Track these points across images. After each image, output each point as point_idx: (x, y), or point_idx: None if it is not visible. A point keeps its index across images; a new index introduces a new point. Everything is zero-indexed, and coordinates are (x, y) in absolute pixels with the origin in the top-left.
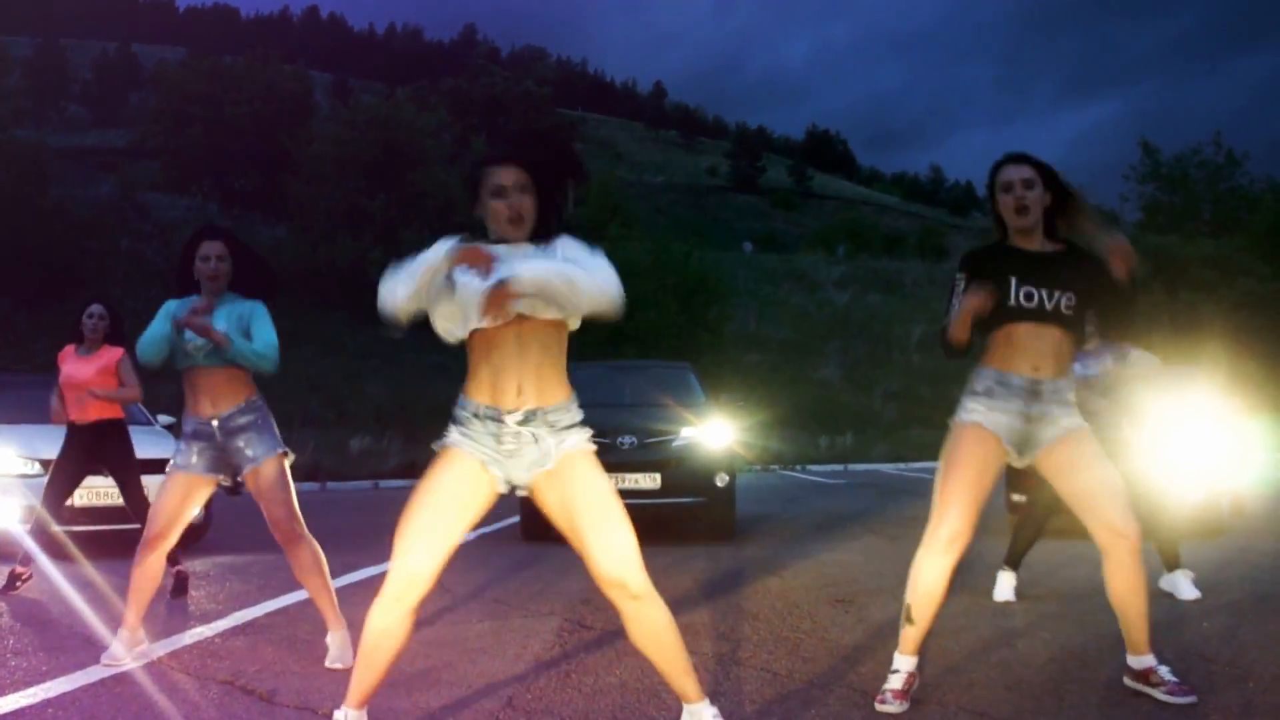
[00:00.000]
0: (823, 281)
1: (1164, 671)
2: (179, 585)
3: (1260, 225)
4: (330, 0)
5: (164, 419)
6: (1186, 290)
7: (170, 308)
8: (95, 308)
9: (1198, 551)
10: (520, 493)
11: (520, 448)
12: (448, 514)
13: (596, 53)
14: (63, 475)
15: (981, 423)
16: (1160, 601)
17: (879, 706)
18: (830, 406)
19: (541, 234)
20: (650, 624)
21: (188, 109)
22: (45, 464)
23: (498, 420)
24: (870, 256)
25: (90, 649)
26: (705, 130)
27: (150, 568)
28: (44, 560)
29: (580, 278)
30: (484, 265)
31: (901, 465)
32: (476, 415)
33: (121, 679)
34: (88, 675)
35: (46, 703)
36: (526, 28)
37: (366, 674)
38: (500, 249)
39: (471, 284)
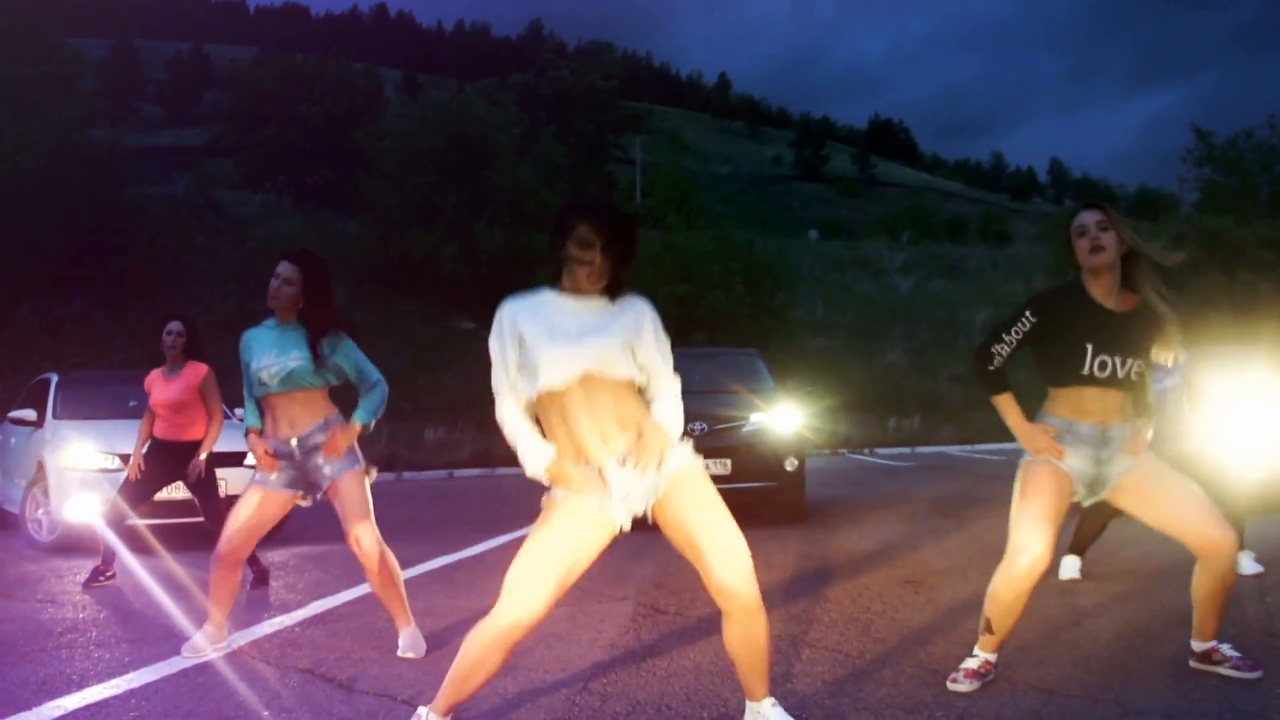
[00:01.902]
0: (887, 267)
1: (1226, 649)
2: (260, 578)
3: None
4: None
5: (240, 411)
6: (1245, 271)
7: (249, 340)
8: (173, 325)
9: (1259, 528)
10: (650, 522)
11: (631, 487)
12: (564, 562)
13: (678, 50)
14: (141, 482)
15: (1054, 464)
16: None
17: (951, 685)
18: (897, 390)
19: (612, 289)
20: (751, 634)
21: (260, 107)
22: (125, 459)
23: (598, 471)
24: (933, 242)
25: (171, 640)
26: (770, 121)
27: (227, 577)
28: (124, 553)
29: (678, 422)
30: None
31: (968, 447)
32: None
33: (204, 669)
34: (170, 665)
35: (130, 693)
36: (594, 24)
37: (456, 692)
38: (570, 307)
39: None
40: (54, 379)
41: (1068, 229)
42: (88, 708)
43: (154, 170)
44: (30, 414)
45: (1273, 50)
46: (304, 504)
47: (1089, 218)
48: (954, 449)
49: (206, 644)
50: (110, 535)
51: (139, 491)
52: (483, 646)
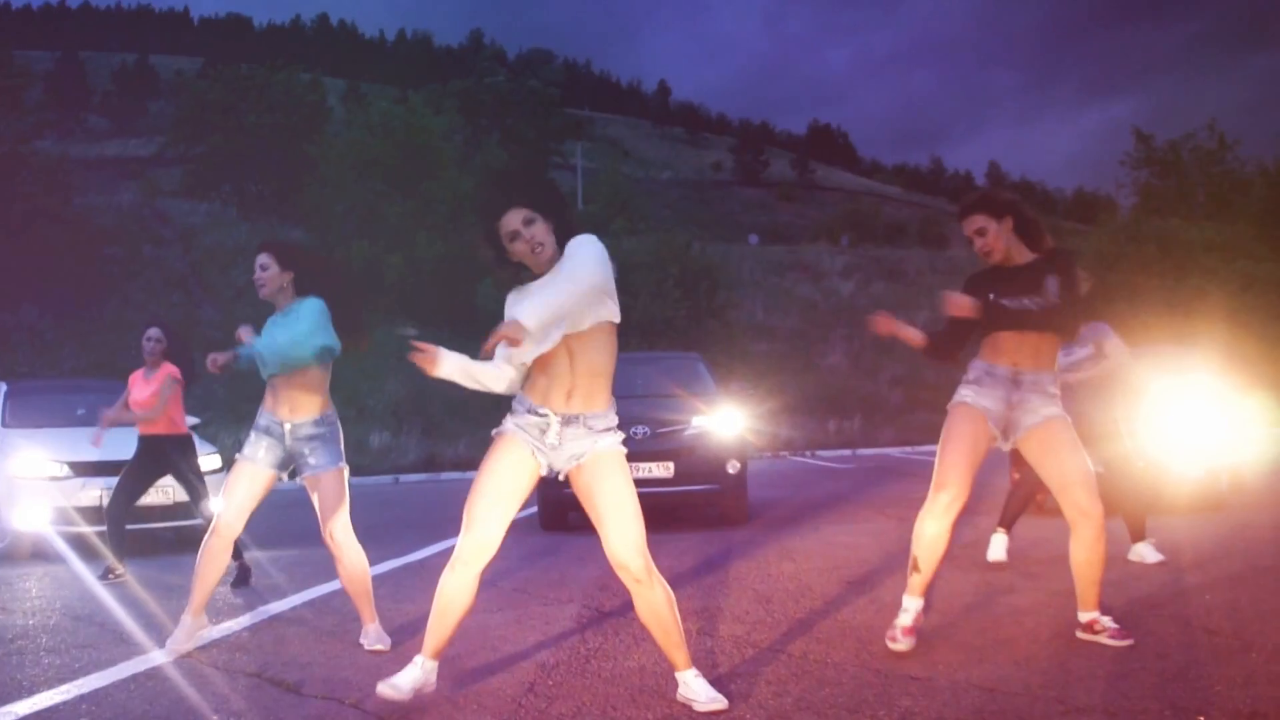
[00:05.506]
0: (827, 271)
1: (1106, 620)
2: (242, 576)
3: (1254, 208)
4: (341, 8)
5: (190, 419)
6: (1195, 275)
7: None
8: (152, 331)
9: (1199, 527)
10: (560, 478)
11: (562, 444)
12: (505, 491)
13: (647, 68)
14: (131, 481)
15: (971, 403)
16: (1163, 576)
17: (890, 644)
18: (838, 393)
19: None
20: (650, 603)
21: (206, 117)
22: (74, 466)
23: (545, 419)
24: (873, 246)
25: (121, 645)
26: (710, 127)
27: (218, 555)
28: (75, 560)
29: (565, 294)
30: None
31: (909, 449)
32: (530, 411)
33: (153, 674)
34: (120, 671)
35: (81, 698)
36: (565, 40)
37: (439, 629)
38: (528, 289)
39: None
40: (3, 388)
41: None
42: (38, 714)
43: (101, 181)
44: None
45: (1218, 60)
46: (282, 479)
47: (969, 226)
48: (894, 450)
49: (186, 639)
50: (110, 536)
51: (136, 485)
52: (455, 575)
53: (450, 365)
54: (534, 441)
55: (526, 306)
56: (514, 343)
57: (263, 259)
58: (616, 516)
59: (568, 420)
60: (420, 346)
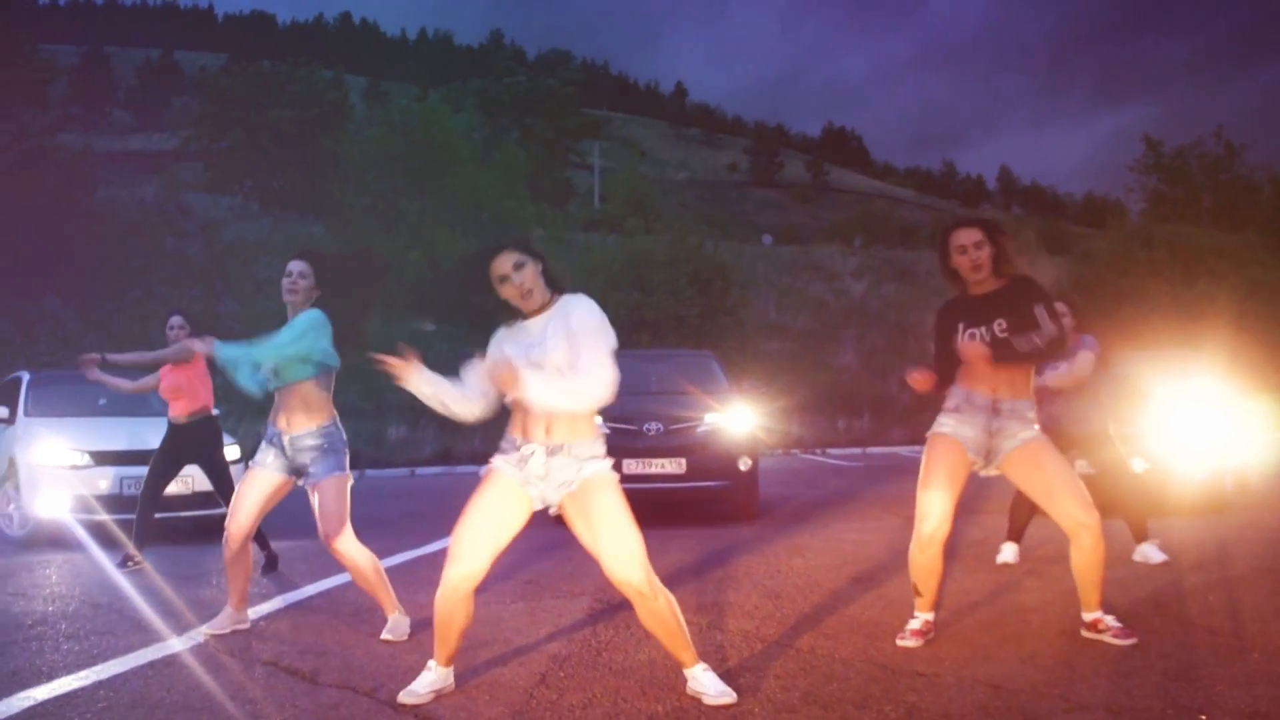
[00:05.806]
0: (840, 272)
1: (1109, 620)
2: (270, 564)
3: (1262, 214)
4: (363, 6)
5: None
6: (1204, 280)
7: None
8: (175, 319)
9: (1202, 528)
10: (552, 511)
11: (549, 474)
12: (492, 524)
13: (665, 70)
14: (160, 468)
15: (950, 434)
16: (1167, 577)
17: (899, 642)
18: (848, 392)
19: (550, 296)
20: (653, 613)
21: (229, 113)
22: (95, 455)
23: (530, 451)
24: (885, 247)
25: (140, 633)
26: (726, 128)
27: (240, 558)
28: (94, 548)
29: (572, 396)
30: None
31: (918, 448)
32: (515, 448)
33: (170, 661)
34: (138, 658)
35: (98, 684)
36: (585, 42)
37: (445, 640)
38: (520, 328)
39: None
40: (25, 377)
41: (945, 240)
42: (57, 699)
43: (124, 174)
44: (2, 411)
45: (1226, 71)
46: (300, 484)
47: (967, 238)
48: (904, 450)
49: (229, 623)
50: (138, 521)
51: (166, 469)
52: (445, 598)
53: (421, 381)
54: (522, 475)
55: (541, 384)
56: (500, 384)
57: (301, 267)
58: (612, 534)
59: (552, 450)
60: (392, 362)
